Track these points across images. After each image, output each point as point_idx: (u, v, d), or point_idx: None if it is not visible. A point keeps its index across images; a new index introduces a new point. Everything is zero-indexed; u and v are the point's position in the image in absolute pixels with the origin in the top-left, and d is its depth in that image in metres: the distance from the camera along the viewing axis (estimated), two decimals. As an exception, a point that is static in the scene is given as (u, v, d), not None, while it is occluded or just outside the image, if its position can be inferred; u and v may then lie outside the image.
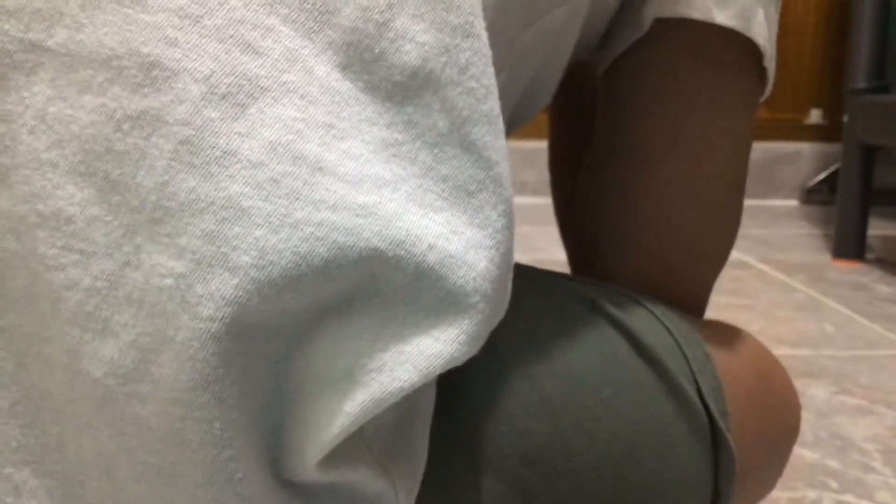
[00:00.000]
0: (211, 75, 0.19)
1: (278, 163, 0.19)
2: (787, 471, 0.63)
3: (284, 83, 0.20)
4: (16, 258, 0.19)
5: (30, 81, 0.19)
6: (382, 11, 0.21)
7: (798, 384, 0.83)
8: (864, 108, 1.36)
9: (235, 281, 0.18)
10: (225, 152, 0.19)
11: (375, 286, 0.20)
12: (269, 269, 0.19)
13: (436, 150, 0.22)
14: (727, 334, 0.40)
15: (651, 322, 0.35)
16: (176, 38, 0.19)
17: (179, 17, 0.19)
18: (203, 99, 0.19)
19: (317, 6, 0.21)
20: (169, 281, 0.18)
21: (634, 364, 0.33)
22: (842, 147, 1.45)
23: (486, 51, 0.23)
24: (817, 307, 1.11)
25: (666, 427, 0.33)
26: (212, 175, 0.19)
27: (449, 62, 0.22)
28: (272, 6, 0.20)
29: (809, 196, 2.14)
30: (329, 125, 0.20)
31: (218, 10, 0.20)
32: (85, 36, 0.19)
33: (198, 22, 0.19)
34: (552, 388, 0.30)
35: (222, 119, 0.19)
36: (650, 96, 0.38)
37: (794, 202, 2.16)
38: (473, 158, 0.22)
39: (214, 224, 0.19)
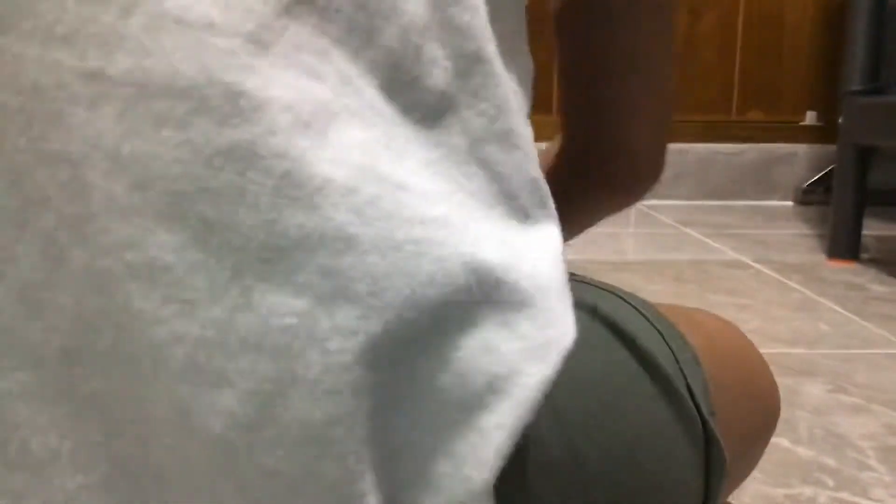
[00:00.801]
0: (294, 104, 0.18)
1: (368, 185, 0.19)
2: (783, 468, 0.64)
3: (347, 106, 0.20)
4: (101, 317, 0.17)
5: (93, 117, 0.17)
6: (420, 34, 0.21)
7: (794, 382, 0.83)
8: (859, 109, 1.37)
9: (357, 311, 0.18)
10: (325, 181, 0.18)
11: (484, 292, 0.20)
12: (385, 294, 0.18)
13: (463, 168, 0.22)
14: (705, 327, 0.42)
15: (644, 325, 0.36)
16: (253, 66, 0.18)
17: (253, 43, 0.18)
18: (292, 128, 0.18)
19: (362, 25, 0.20)
20: (292, 320, 0.17)
21: (633, 369, 0.34)
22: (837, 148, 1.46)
23: (497, 70, 0.24)
24: (813, 307, 1.12)
25: (664, 430, 0.34)
26: (316, 206, 0.18)
27: (464, 87, 0.23)
28: (322, 26, 0.20)
29: (805, 197, 2.15)
30: (387, 146, 0.20)
31: (282, 35, 0.19)
32: (153, 62, 0.18)
33: (268, 48, 0.19)
34: (561, 394, 0.31)
35: (312, 147, 0.18)
36: (602, 23, 0.43)
37: (789, 203, 2.17)
38: (489, 175, 0.23)
39: (329, 258, 0.18)
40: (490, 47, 0.24)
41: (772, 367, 0.92)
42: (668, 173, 2.18)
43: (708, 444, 0.35)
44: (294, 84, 0.19)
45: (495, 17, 0.25)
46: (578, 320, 0.34)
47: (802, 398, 0.79)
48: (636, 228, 1.78)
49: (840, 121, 1.43)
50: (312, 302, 0.18)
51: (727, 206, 2.11)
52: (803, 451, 0.67)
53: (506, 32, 0.27)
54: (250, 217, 0.18)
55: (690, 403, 0.35)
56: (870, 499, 0.59)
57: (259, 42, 0.19)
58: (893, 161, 2.01)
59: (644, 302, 0.38)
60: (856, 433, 0.70)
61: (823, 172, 2.11)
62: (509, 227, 0.23)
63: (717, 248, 1.54)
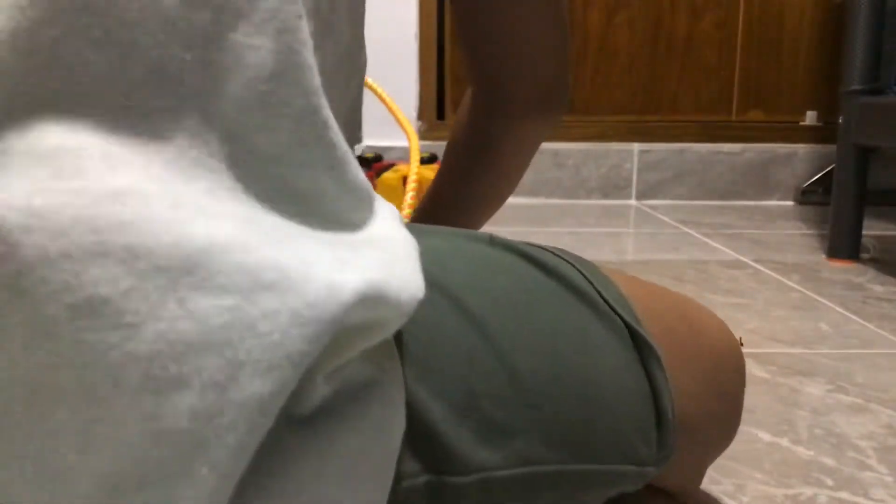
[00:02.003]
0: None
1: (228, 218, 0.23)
2: (783, 468, 0.64)
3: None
4: (54, 359, 0.19)
5: None
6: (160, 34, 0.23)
7: (793, 382, 0.83)
8: (859, 109, 1.37)
9: (274, 294, 0.20)
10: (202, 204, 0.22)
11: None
12: (289, 276, 0.21)
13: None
14: (645, 285, 0.44)
15: (546, 253, 0.39)
16: None
17: None
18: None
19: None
20: (226, 316, 0.20)
21: (541, 279, 0.37)
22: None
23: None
24: (812, 306, 1.12)
25: (583, 327, 0.36)
26: (210, 217, 0.20)
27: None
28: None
29: (804, 197, 2.15)
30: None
31: None
32: None
33: None
34: (472, 302, 0.34)
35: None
36: None
37: (789, 203, 2.17)
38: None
39: (241, 255, 0.20)
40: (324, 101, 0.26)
41: (771, 367, 0.92)
42: (667, 173, 2.19)
43: (638, 344, 0.37)
44: None
45: None
46: (477, 248, 0.38)
47: (802, 398, 0.79)
48: (636, 228, 1.78)
49: (840, 121, 1.43)
50: (237, 297, 0.20)
51: (727, 206, 2.12)
52: (803, 451, 0.67)
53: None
54: (163, 237, 0.19)
55: (607, 307, 0.37)
56: (870, 499, 0.59)
57: None
58: (893, 161, 2.02)
59: (550, 246, 0.41)
60: (856, 433, 0.70)
61: (823, 172, 2.11)
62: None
63: (717, 247, 1.54)
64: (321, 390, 0.24)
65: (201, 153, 0.21)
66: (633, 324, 0.37)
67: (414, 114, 2.11)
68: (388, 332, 0.25)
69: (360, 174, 0.26)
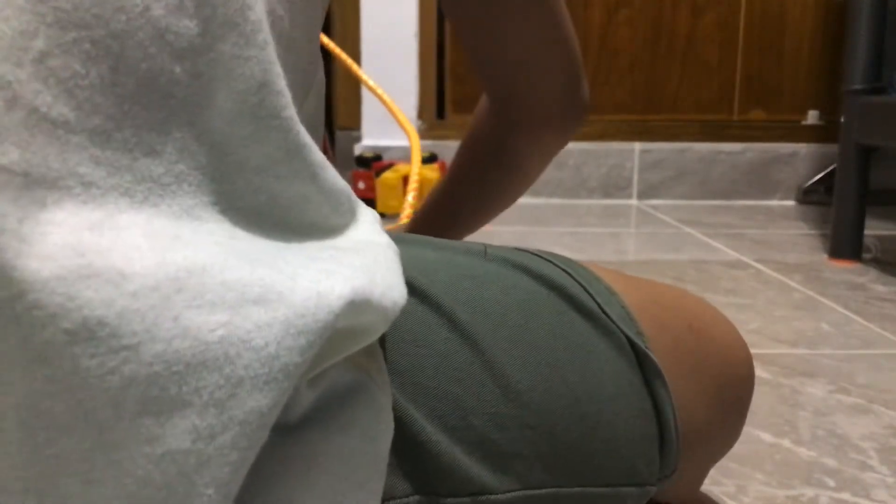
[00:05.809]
0: None
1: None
2: (784, 469, 0.64)
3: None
4: (52, 385, 0.18)
5: None
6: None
7: (795, 383, 0.83)
8: (861, 108, 1.36)
9: (264, 308, 0.20)
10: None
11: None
12: (274, 289, 0.21)
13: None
14: (650, 292, 0.42)
15: (545, 263, 0.38)
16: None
17: None
18: None
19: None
20: (221, 331, 0.19)
21: (538, 292, 0.36)
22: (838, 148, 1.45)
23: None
24: (814, 307, 1.11)
25: (583, 343, 0.35)
26: (181, 236, 0.20)
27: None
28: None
29: (806, 196, 2.15)
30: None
31: None
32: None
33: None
34: (462, 315, 0.33)
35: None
36: None
37: (791, 202, 2.17)
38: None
39: (222, 274, 0.20)
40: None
41: (773, 368, 0.92)
42: (668, 172, 2.19)
43: (640, 359, 0.36)
44: None
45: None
46: (470, 261, 0.37)
47: (804, 398, 0.78)
48: (637, 228, 1.78)
49: (842, 120, 1.43)
50: (229, 312, 0.20)
51: (728, 206, 2.11)
52: (804, 452, 0.66)
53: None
54: (146, 260, 0.19)
55: (608, 321, 0.36)
56: (871, 500, 0.59)
57: None
58: (895, 160, 2.01)
59: (552, 253, 0.40)
60: (857, 434, 0.70)
61: (825, 172, 2.11)
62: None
63: (718, 247, 1.54)
64: (305, 396, 0.24)
65: (188, 167, 0.21)
66: (636, 339, 0.36)
67: (414, 113, 2.11)
68: (372, 337, 0.25)
69: (338, 179, 0.26)
